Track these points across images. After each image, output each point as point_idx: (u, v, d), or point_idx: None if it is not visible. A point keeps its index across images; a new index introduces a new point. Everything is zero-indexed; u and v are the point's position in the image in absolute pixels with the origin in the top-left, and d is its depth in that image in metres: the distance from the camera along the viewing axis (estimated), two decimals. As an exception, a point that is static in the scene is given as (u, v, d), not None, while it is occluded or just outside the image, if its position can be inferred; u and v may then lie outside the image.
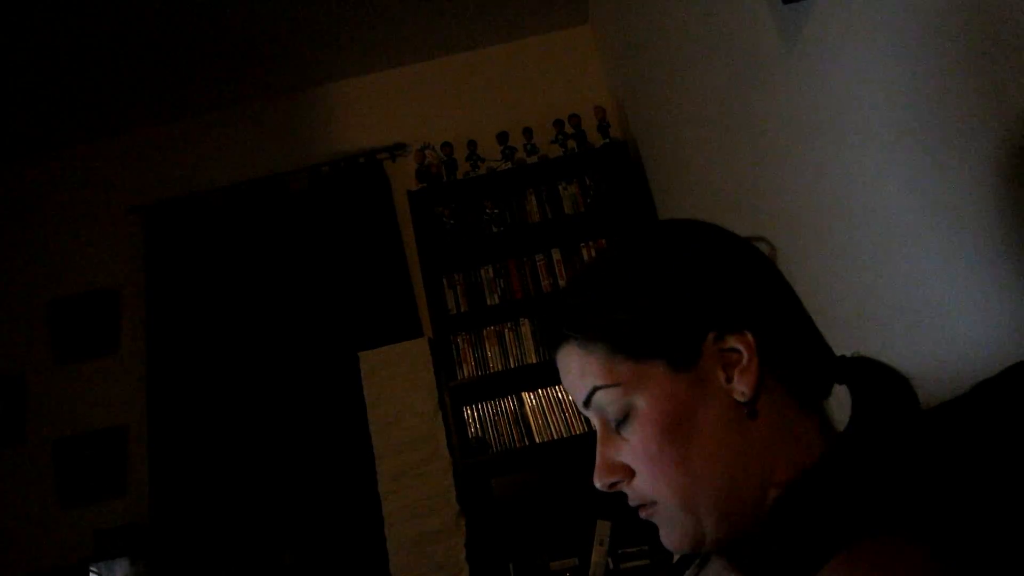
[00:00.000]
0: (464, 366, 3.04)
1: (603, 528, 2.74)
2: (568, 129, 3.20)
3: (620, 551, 2.68)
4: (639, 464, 0.61)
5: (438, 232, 3.15)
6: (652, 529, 0.64)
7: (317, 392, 3.11)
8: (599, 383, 0.62)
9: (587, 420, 2.99)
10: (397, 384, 2.97)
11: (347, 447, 3.00)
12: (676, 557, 0.84)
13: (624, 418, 0.62)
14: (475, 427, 2.99)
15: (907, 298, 1.04)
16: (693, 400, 0.60)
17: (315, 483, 2.98)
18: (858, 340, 0.68)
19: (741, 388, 0.60)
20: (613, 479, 0.63)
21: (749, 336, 0.60)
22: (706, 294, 0.62)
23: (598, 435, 0.65)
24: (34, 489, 3.12)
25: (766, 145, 1.53)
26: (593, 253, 3.09)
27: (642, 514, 0.64)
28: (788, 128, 1.39)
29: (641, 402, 0.60)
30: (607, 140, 3.14)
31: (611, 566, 2.67)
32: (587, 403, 0.64)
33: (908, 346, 1.06)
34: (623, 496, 0.65)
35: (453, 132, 3.41)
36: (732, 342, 0.60)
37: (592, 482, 0.64)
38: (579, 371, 0.64)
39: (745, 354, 0.60)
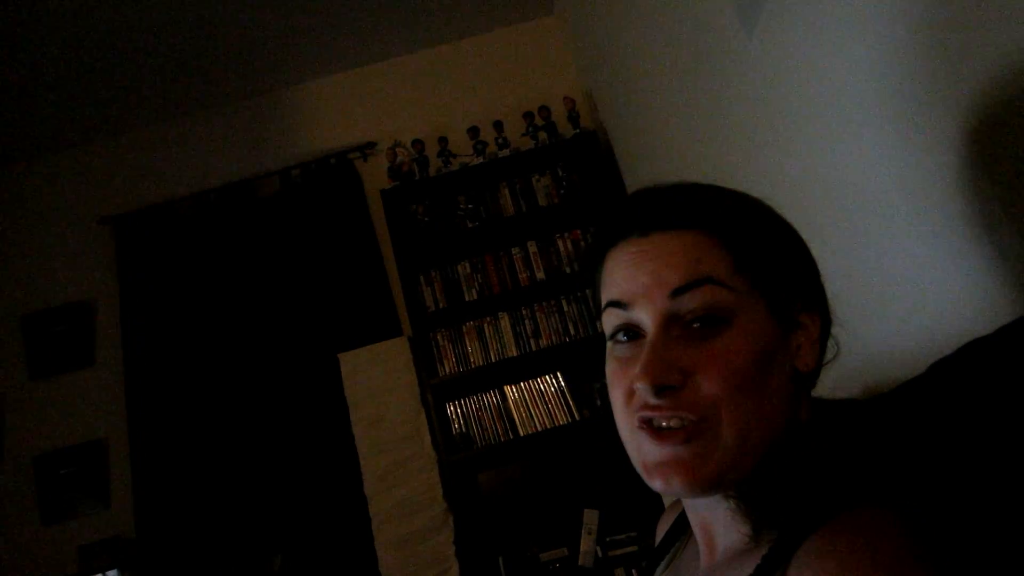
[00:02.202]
0: (445, 363, 3.04)
1: (591, 517, 2.76)
2: (538, 121, 3.20)
3: (608, 538, 2.70)
4: (716, 370, 0.60)
5: (413, 230, 3.15)
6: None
7: (299, 396, 3.09)
8: (718, 279, 0.62)
9: (569, 408, 2.99)
10: (378, 384, 2.96)
11: (331, 450, 2.99)
12: (659, 539, 0.85)
13: (719, 323, 0.61)
14: (459, 423, 2.99)
15: (877, 276, 1.06)
16: (778, 348, 0.63)
17: (301, 487, 2.97)
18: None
19: (807, 360, 0.66)
20: (670, 379, 0.60)
21: (818, 319, 0.68)
22: (807, 268, 0.70)
23: (655, 336, 0.63)
24: (15, 507, 3.07)
25: (730, 128, 1.55)
26: (569, 244, 3.10)
27: (672, 442, 0.60)
28: (751, 111, 1.40)
29: (745, 317, 0.62)
30: (577, 130, 3.14)
31: (600, 554, 2.69)
32: (683, 288, 0.62)
33: (876, 324, 1.08)
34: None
35: (423, 128, 3.39)
36: (807, 318, 0.67)
37: (637, 383, 0.61)
38: (696, 257, 0.63)
39: (815, 332, 0.67)
